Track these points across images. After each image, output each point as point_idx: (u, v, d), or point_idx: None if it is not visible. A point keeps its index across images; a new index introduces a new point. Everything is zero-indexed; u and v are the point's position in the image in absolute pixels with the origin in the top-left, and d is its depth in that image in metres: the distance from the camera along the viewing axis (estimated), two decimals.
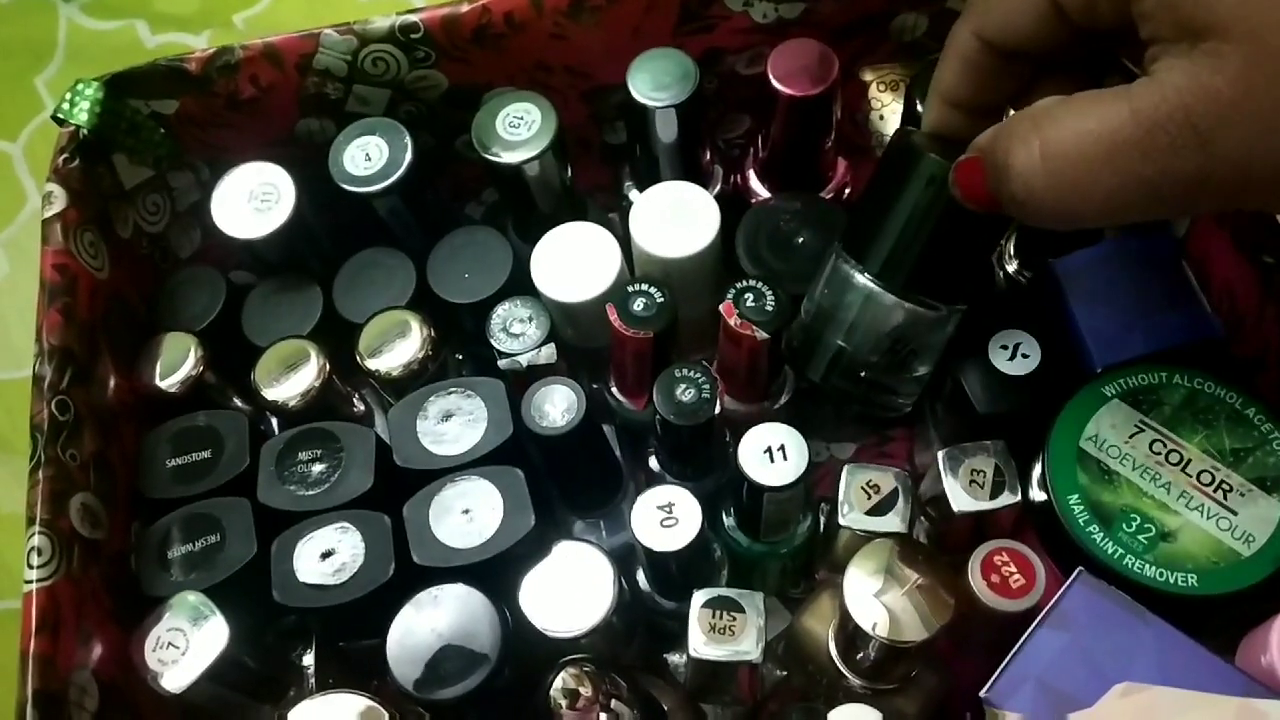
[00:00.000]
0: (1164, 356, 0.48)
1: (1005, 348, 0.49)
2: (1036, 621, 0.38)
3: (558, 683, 0.40)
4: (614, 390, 0.55)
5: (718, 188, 0.59)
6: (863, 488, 0.48)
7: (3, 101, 0.83)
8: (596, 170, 0.63)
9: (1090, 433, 0.47)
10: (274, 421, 0.56)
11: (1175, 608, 0.44)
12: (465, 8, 0.54)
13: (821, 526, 0.53)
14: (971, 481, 0.48)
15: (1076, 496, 0.45)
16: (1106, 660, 0.36)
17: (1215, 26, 0.31)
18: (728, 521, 0.52)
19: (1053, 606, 0.38)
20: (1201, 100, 0.32)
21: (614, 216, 0.61)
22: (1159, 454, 0.46)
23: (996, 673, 0.37)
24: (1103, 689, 0.36)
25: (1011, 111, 0.40)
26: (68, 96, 0.53)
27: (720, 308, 0.48)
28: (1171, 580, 0.44)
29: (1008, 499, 0.47)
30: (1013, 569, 0.45)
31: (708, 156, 0.59)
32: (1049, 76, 0.41)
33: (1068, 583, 0.38)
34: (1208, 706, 0.35)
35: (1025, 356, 0.49)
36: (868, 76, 0.62)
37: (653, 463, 0.54)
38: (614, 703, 0.41)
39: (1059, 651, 0.37)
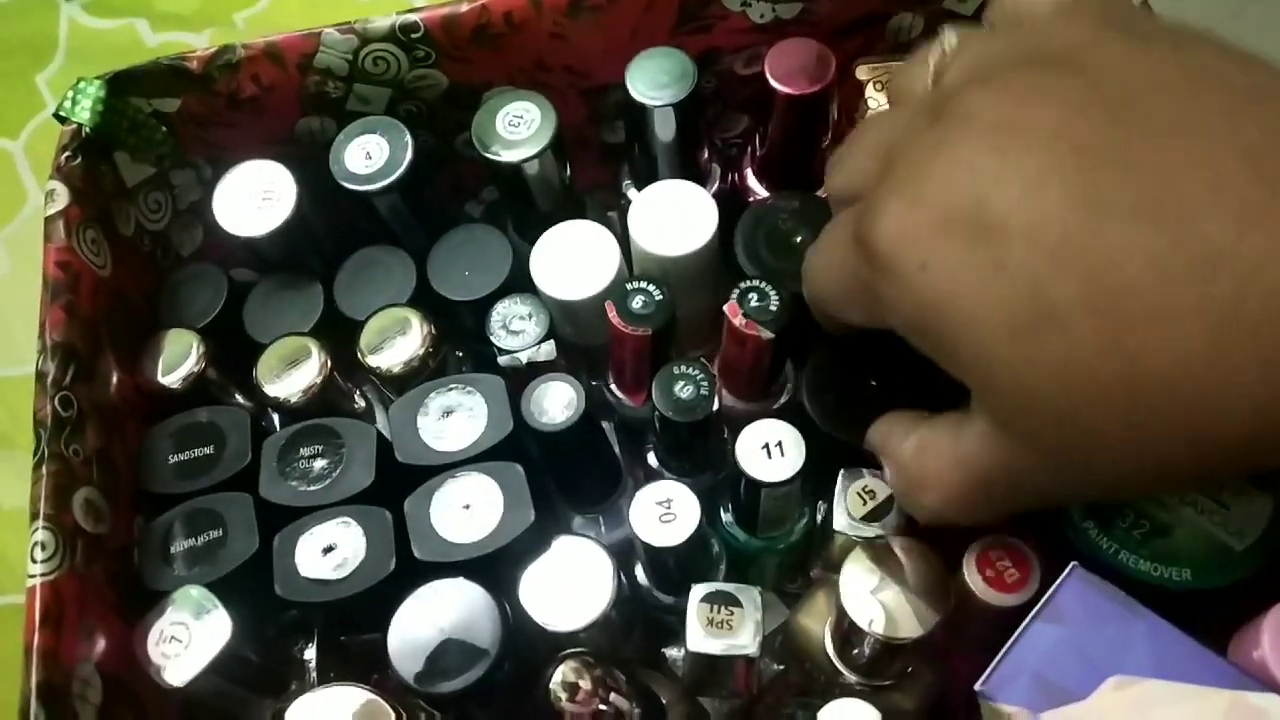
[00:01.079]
0: None
1: None
2: (1031, 615, 0.38)
3: (557, 676, 0.41)
4: (613, 387, 0.55)
5: (716, 186, 0.60)
6: (859, 493, 0.48)
7: (4, 100, 0.83)
8: (596, 169, 0.64)
9: None
10: (275, 418, 0.56)
11: (1169, 602, 0.44)
12: (465, 7, 0.54)
13: (819, 523, 0.53)
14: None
15: None
16: (1100, 653, 0.37)
17: (988, 392, 0.34)
18: (725, 517, 0.53)
19: (1048, 600, 0.38)
20: (1012, 469, 0.35)
21: (613, 215, 0.61)
22: None
23: (992, 666, 0.38)
24: (1097, 682, 0.36)
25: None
26: (70, 95, 0.54)
27: (725, 308, 0.48)
28: (1166, 575, 0.44)
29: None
30: (1008, 564, 0.45)
31: (706, 155, 0.59)
32: None
33: (1062, 577, 0.38)
34: (1200, 699, 0.35)
35: None
36: (863, 75, 0.62)
37: (651, 459, 0.54)
38: (613, 696, 0.42)
39: (1054, 645, 0.37)
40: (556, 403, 0.48)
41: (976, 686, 0.38)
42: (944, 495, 0.38)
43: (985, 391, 0.34)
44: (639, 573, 0.53)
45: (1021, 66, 0.34)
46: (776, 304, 0.48)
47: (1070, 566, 0.39)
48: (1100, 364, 0.31)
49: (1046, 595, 0.38)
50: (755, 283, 0.48)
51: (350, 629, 0.52)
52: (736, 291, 0.48)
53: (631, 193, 0.58)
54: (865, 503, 0.49)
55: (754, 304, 0.48)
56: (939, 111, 0.35)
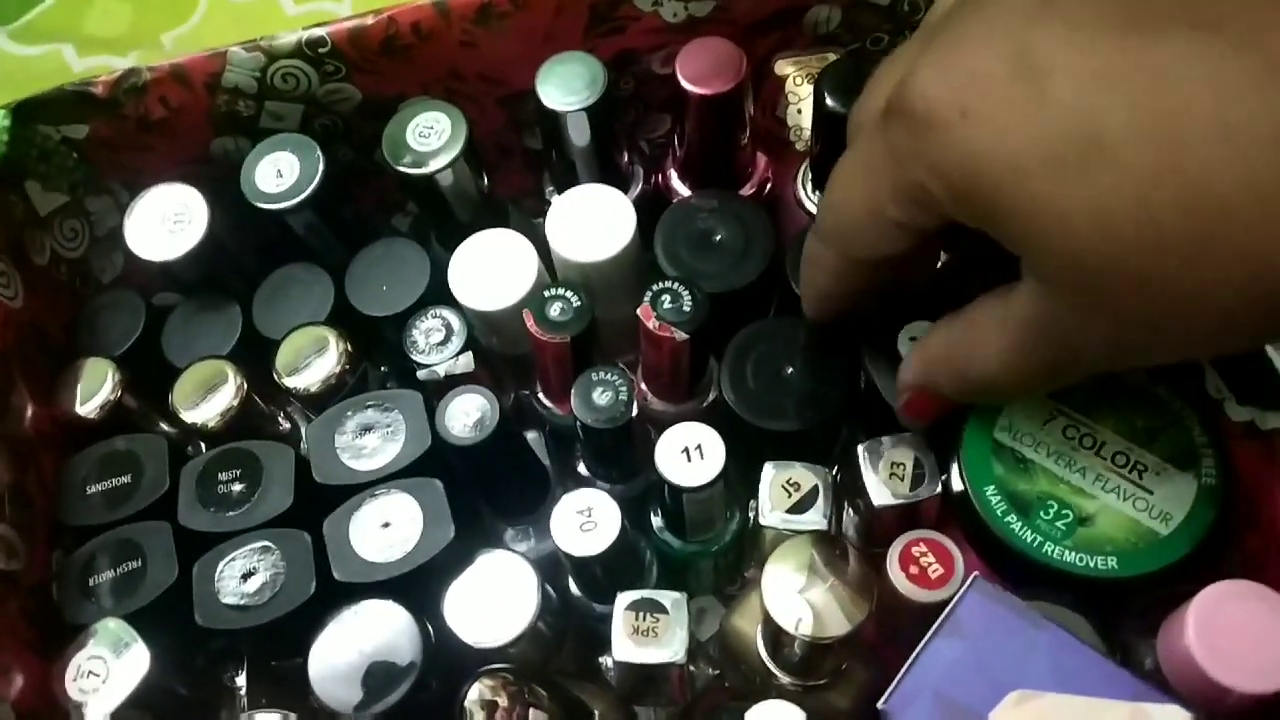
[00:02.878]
0: None
1: (915, 339, 0.49)
2: (931, 632, 0.38)
3: (472, 694, 0.40)
4: (540, 396, 0.55)
5: (639, 188, 0.59)
6: (783, 486, 0.48)
7: None
8: (520, 176, 0.63)
9: (1004, 423, 0.46)
10: (203, 444, 0.55)
11: (1097, 591, 0.44)
12: (371, 19, 0.54)
13: (751, 523, 0.53)
14: (891, 475, 0.48)
15: (993, 487, 0.45)
16: (1001, 668, 0.36)
17: (1037, 247, 0.33)
18: (656, 523, 0.52)
19: (947, 616, 0.38)
20: (1066, 331, 0.34)
21: (540, 221, 0.61)
22: (1073, 439, 0.46)
23: (893, 684, 0.37)
24: (998, 698, 0.36)
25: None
26: None
27: (638, 312, 0.48)
28: (1092, 564, 0.44)
29: (927, 490, 0.47)
30: (931, 559, 0.45)
31: (625, 158, 0.59)
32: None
33: (961, 591, 0.38)
34: (1100, 711, 0.35)
35: None
36: (787, 69, 0.62)
37: (581, 467, 0.54)
38: (533, 712, 0.41)
39: (954, 661, 0.37)
40: (470, 415, 0.47)
41: (879, 705, 0.37)
42: (998, 361, 0.37)
43: (1033, 246, 0.32)
44: (570, 582, 0.52)
45: None
46: (690, 304, 0.47)
47: (970, 578, 0.38)
48: (1154, 193, 0.29)
49: (945, 610, 0.38)
50: (668, 284, 0.48)
51: (278, 654, 0.51)
52: (649, 294, 0.48)
53: (554, 199, 0.58)
54: (790, 495, 0.48)
55: (667, 305, 0.47)
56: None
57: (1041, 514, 0.45)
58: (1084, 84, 0.30)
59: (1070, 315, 0.33)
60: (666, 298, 0.48)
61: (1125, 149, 0.29)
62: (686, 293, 0.48)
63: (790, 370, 0.51)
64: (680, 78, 0.53)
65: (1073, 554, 0.44)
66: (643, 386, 0.53)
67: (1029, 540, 0.44)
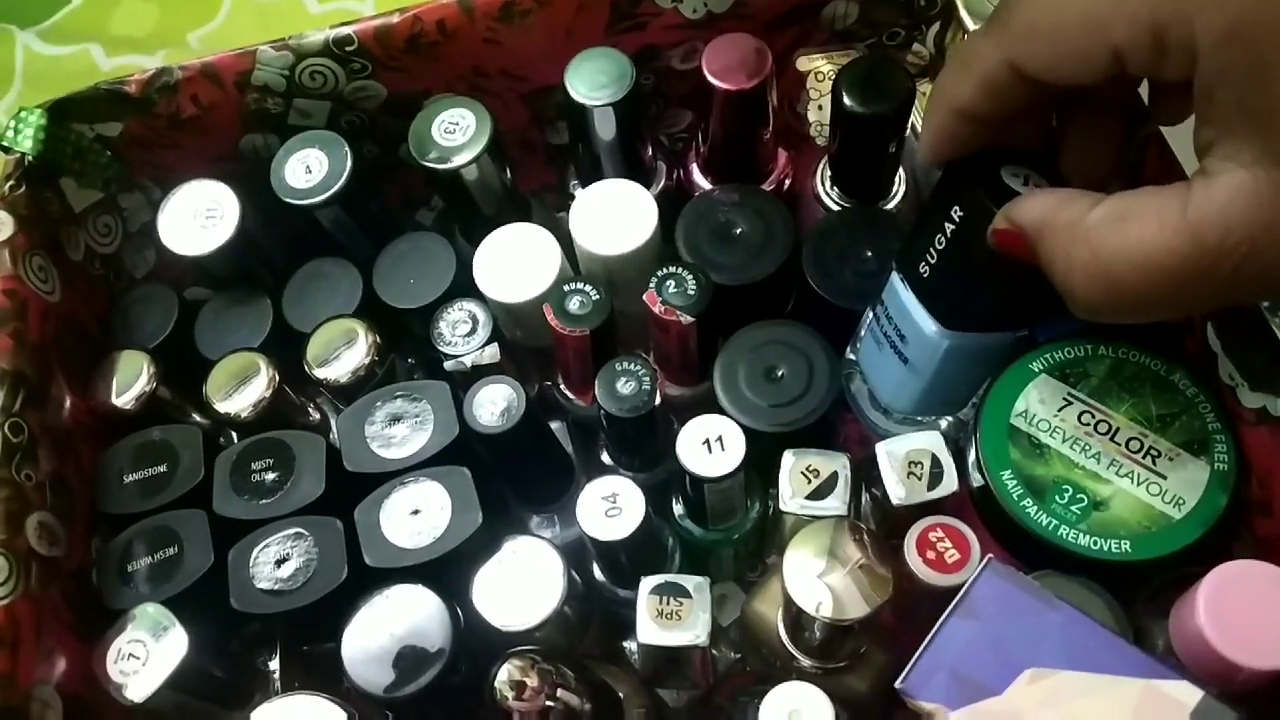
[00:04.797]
0: (1092, 327, 0.48)
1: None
2: (948, 612, 0.38)
3: (502, 674, 0.41)
4: (562, 387, 0.56)
5: (661, 183, 0.60)
6: (803, 472, 0.49)
7: None
8: (543, 171, 0.64)
9: (1020, 409, 0.47)
10: (234, 434, 0.57)
11: (1111, 575, 0.45)
12: (397, 18, 0.55)
13: (771, 511, 0.54)
14: (909, 474, 0.48)
15: (1009, 472, 0.46)
16: (1015, 647, 0.37)
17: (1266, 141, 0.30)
18: (677, 510, 0.53)
19: (962, 596, 0.38)
20: (1271, 237, 0.31)
21: (562, 215, 0.62)
22: (1088, 424, 0.47)
23: (910, 663, 0.38)
24: (1012, 675, 0.36)
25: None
26: (11, 124, 0.54)
27: (644, 297, 0.49)
28: (1106, 548, 0.45)
29: (945, 489, 0.48)
30: (948, 544, 0.46)
31: (650, 153, 0.60)
32: (1078, 106, 0.40)
33: (976, 572, 0.39)
34: (1113, 688, 0.36)
35: None
36: (809, 64, 0.63)
37: (604, 457, 0.55)
38: (560, 692, 0.42)
39: (970, 640, 0.38)
40: (497, 405, 0.48)
41: (896, 684, 0.38)
42: (1157, 269, 0.32)
43: None
44: (595, 568, 0.54)
45: None
46: (695, 288, 0.48)
47: (985, 560, 0.39)
48: None
49: (961, 591, 0.39)
50: (672, 269, 0.49)
51: (310, 638, 0.52)
52: (655, 280, 0.49)
53: (578, 193, 0.59)
54: (809, 481, 0.49)
55: (672, 290, 0.49)
56: None
57: (1057, 498, 0.46)
58: None
59: None
60: (671, 283, 0.49)
61: None
62: (691, 277, 0.49)
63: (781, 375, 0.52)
64: (706, 73, 0.53)
65: (1087, 538, 0.45)
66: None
67: (1044, 524, 0.45)
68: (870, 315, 0.50)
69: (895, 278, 0.47)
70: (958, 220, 0.41)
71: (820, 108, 0.62)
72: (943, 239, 0.43)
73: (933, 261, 0.44)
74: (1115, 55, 0.33)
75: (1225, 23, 0.30)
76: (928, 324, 0.46)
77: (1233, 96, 0.31)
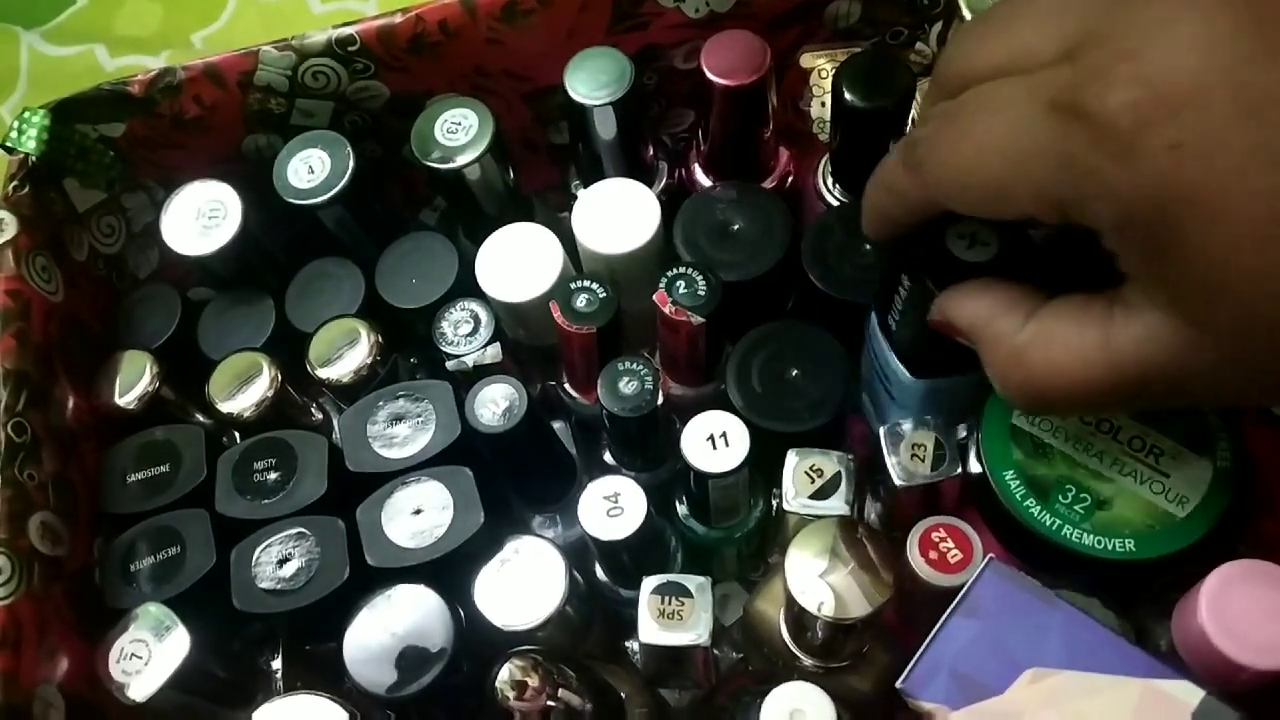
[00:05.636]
0: None
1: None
2: (948, 611, 0.38)
3: (503, 674, 0.41)
4: (566, 386, 0.56)
5: (663, 182, 0.60)
6: (806, 472, 0.49)
7: None
8: (545, 170, 0.64)
9: None
10: (237, 434, 0.57)
11: (1115, 574, 0.45)
12: (399, 18, 0.55)
13: (774, 510, 0.54)
14: (913, 456, 0.48)
15: (1012, 472, 0.46)
16: (1017, 647, 0.37)
17: (1201, 292, 0.31)
18: (680, 509, 0.53)
19: (963, 596, 0.38)
20: (1186, 369, 0.32)
21: (565, 215, 0.62)
22: (1089, 423, 0.46)
23: (911, 663, 0.38)
24: (1014, 675, 0.36)
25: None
26: (15, 125, 0.55)
27: (654, 297, 0.49)
28: (1110, 547, 0.45)
29: (948, 470, 0.48)
30: (950, 544, 0.46)
31: (651, 152, 0.60)
32: None
33: (978, 572, 0.39)
34: (1113, 688, 0.36)
35: None
36: (812, 61, 0.63)
37: (607, 456, 0.55)
38: (562, 691, 0.42)
39: (971, 640, 0.38)
40: (499, 404, 0.48)
41: (897, 684, 0.38)
42: (1079, 392, 0.35)
43: (1201, 291, 0.30)
44: (598, 568, 0.54)
45: None
46: (705, 289, 0.48)
47: (986, 560, 0.39)
48: None
49: (962, 591, 0.39)
50: (682, 270, 0.49)
51: (312, 638, 0.52)
52: (665, 280, 0.49)
53: (580, 192, 0.59)
54: (813, 480, 0.49)
55: (682, 291, 0.49)
56: None
57: (1060, 498, 0.45)
58: None
59: (1198, 357, 0.32)
60: (681, 283, 0.49)
61: None
62: (701, 278, 0.49)
63: (795, 374, 0.52)
64: (706, 70, 0.53)
65: (1091, 537, 0.45)
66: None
67: (1048, 524, 0.45)
68: (866, 335, 0.50)
69: (873, 319, 0.48)
70: (906, 289, 0.43)
71: (823, 104, 0.62)
72: (899, 300, 0.44)
73: (895, 319, 0.46)
74: (1027, 213, 0.34)
75: (1118, 212, 0.31)
76: (902, 372, 0.48)
77: (1139, 263, 0.32)
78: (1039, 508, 0.46)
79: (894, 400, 0.50)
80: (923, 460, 0.48)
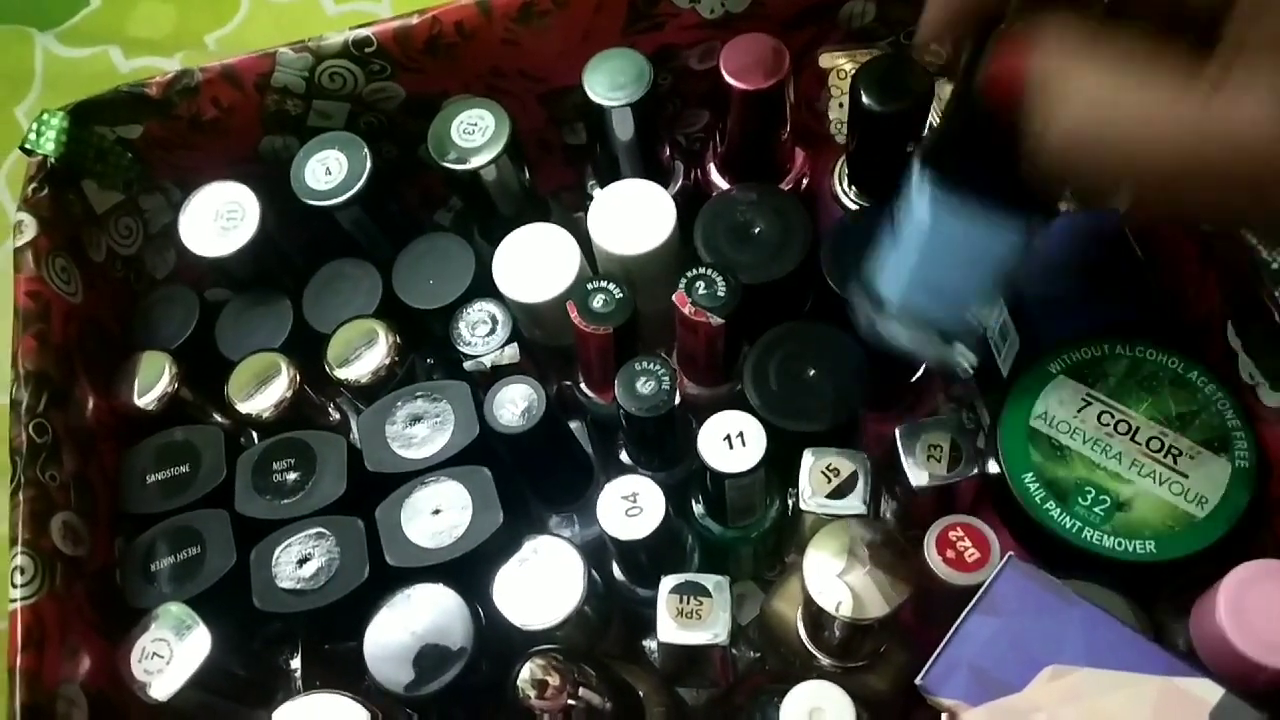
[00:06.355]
0: (1109, 328, 0.48)
1: None
2: (968, 609, 0.38)
3: (524, 673, 0.41)
4: (583, 386, 0.56)
5: (679, 183, 0.60)
6: (823, 471, 0.49)
7: None
8: (561, 171, 0.64)
9: (1039, 411, 0.47)
10: (256, 435, 0.57)
11: (1136, 575, 0.45)
12: (416, 19, 0.55)
13: (790, 510, 0.54)
14: (929, 457, 0.49)
15: (1031, 475, 0.46)
16: (1036, 644, 0.37)
17: None
18: (697, 509, 0.53)
19: (983, 593, 0.39)
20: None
21: (580, 216, 0.62)
22: (1108, 425, 0.46)
23: (931, 660, 0.38)
24: (1033, 672, 0.37)
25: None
26: (34, 127, 0.55)
27: (673, 298, 0.49)
28: (1130, 548, 0.45)
29: (965, 471, 0.48)
30: (967, 544, 0.46)
31: (667, 153, 0.60)
32: None
33: (997, 569, 0.39)
34: (1132, 685, 0.36)
35: None
36: (831, 62, 0.63)
37: (623, 456, 0.55)
38: (582, 690, 0.42)
39: (990, 637, 0.38)
40: (517, 405, 0.49)
41: (917, 681, 0.38)
42: (1145, 154, 0.30)
43: None
44: (615, 568, 0.54)
45: None
46: (724, 290, 0.49)
47: (1005, 557, 0.39)
48: None
49: (982, 588, 0.39)
50: (702, 270, 0.49)
51: (332, 637, 0.52)
52: (684, 281, 0.49)
53: (596, 193, 0.59)
54: (829, 480, 0.49)
55: (701, 292, 0.49)
56: None
57: (1080, 500, 0.45)
58: None
59: None
60: (701, 284, 0.49)
61: None
62: (720, 279, 0.49)
63: (813, 373, 0.52)
64: (724, 72, 0.53)
65: (1111, 539, 0.45)
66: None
67: (1068, 526, 0.45)
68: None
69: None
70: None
71: (841, 105, 0.62)
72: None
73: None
74: None
75: None
76: (921, 192, 0.43)
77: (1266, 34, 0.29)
78: (1059, 510, 0.46)
79: (898, 247, 0.45)
80: (939, 461, 0.48)
